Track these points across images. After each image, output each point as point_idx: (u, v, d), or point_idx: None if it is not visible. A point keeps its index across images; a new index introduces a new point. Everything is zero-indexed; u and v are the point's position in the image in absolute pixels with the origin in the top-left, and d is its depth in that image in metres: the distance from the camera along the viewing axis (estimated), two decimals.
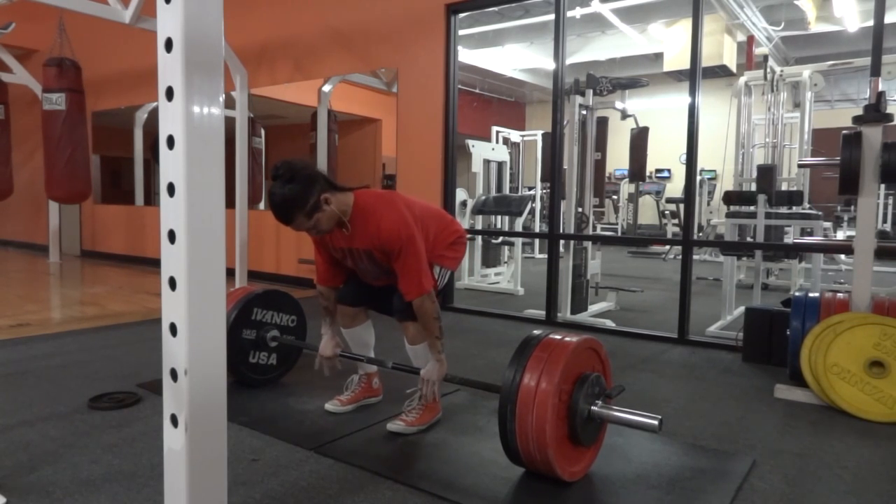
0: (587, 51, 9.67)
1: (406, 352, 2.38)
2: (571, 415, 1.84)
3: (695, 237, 5.84)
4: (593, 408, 1.88)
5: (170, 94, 1.29)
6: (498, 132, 8.46)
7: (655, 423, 1.81)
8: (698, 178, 7.28)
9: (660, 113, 10.84)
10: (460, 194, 5.92)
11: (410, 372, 2.29)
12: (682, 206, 7.05)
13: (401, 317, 2.30)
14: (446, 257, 2.36)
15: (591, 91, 4.81)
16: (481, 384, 2.16)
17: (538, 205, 8.46)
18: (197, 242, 1.31)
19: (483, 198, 6.44)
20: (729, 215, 5.06)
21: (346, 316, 2.47)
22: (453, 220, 2.49)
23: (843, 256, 7.10)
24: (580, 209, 4.88)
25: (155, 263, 6.25)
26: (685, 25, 7.44)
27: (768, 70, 6.04)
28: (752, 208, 4.90)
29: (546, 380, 1.78)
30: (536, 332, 1.97)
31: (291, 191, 2.03)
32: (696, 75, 3.83)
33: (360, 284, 2.46)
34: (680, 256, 3.99)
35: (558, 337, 1.92)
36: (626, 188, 11.52)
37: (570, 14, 5.91)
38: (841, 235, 8.07)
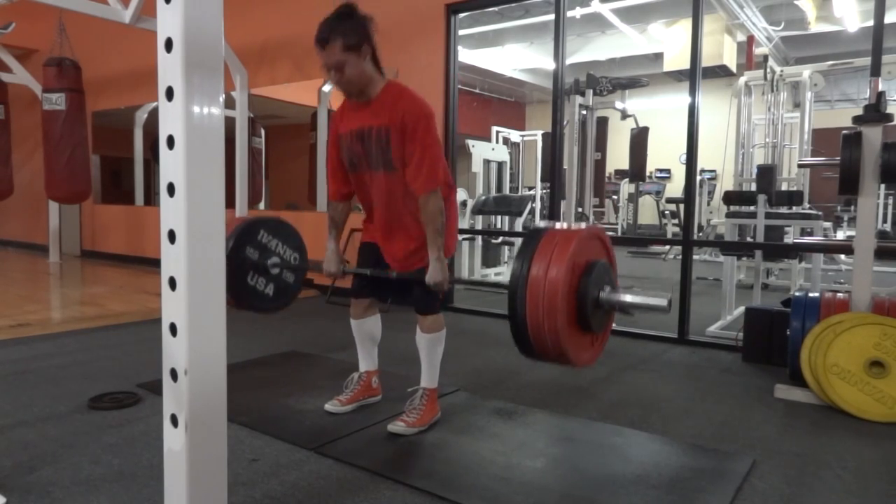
0: (587, 51, 9.67)
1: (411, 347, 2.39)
2: (581, 299, 1.77)
3: (695, 237, 5.84)
4: (602, 294, 1.82)
5: (170, 94, 1.29)
6: (498, 132, 8.46)
7: (664, 302, 1.74)
8: (698, 178, 7.28)
9: (660, 113, 10.84)
10: (460, 194, 5.92)
11: (414, 279, 2.26)
12: (682, 206, 7.05)
13: (419, 308, 2.35)
14: (447, 247, 2.33)
15: (591, 91, 4.81)
16: (488, 282, 2.10)
17: (538, 205, 8.46)
18: (197, 242, 1.31)
19: (483, 198, 6.44)
20: (729, 215, 5.05)
21: (358, 307, 2.51)
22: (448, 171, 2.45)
23: (843, 256, 7.10)
24: (580, 209, 4.88)
25: (155, 263, 6.23)
26: (685, 25, 7.44)
27: (768, 70, 6.04)
28: (752, 208, 4.90)
29: (556, 265, 1.72)
30: (541, 223, 1.92)
31: (348, 20, 2.15)
32: (696, 75, 3.83)
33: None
34: (680, 256, 3.99)
35: (564, 226, 1.89)
36: (626, 188, 11.52)
37: (570, 14, 5.90)
38: (841, 235, 8.06)
